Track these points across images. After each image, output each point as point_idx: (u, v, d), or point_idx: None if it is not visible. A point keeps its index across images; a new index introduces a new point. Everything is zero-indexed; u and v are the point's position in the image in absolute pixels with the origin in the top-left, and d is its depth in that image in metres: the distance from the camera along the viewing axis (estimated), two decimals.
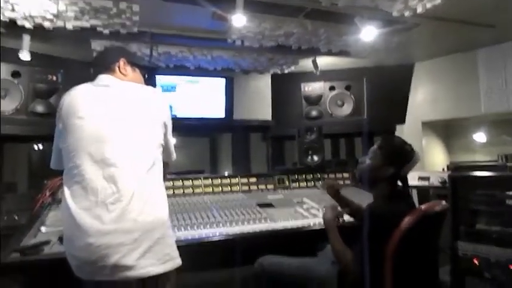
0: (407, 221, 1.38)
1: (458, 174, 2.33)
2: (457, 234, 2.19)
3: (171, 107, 3.64)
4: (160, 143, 1.41)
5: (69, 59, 3.29)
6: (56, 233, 1.68)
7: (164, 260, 1.28)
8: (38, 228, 1.77)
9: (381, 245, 1.40)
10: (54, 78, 3.24)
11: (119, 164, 1.27)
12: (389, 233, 1.40)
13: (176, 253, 1.34)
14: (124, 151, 1.29)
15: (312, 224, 2.07)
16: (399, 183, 1.65)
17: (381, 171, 1.62)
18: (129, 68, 1.49)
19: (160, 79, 3.66)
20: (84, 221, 1.21)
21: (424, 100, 3.98)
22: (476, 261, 2.11)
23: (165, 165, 1.48)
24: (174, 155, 1.56)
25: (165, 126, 1.44)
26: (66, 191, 1.28)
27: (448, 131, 4.22)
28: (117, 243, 1.20)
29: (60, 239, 1.55)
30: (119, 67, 1.46)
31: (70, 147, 1.30)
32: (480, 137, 3.92)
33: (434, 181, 2.79)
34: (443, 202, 1.56)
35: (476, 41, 3.35)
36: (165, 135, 1.44)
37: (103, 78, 1.42)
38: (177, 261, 1.33)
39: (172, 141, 1.55)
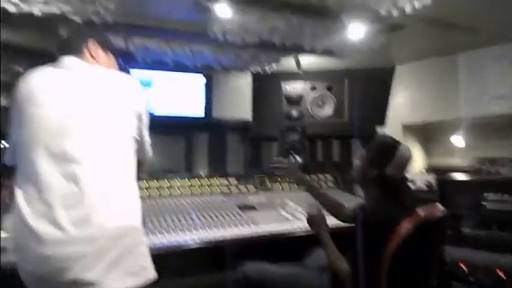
0: (405, 226, 1.29)
1: (445, 178, 2.29)
2: (444, 239, 2.15)
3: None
4: (133, 137, 1.22)
5: (35, 48, 3.06)
6: (13, 239, 1.49)
7: (135, 272, 1.09)
8: None
9: (375, 250, 1.31)
10: (19, 69, 3.01)
11: (82, 161, 1.08)
12: (384, 238, 1.31)
13: (149, 264, 1.16)
14: (89, 145, 1.10)
15: (297, 228, 1.97)
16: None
17: (366, 173, 1.53)
18: (100, 51, 1.29)
19: (135, 74, 3.47)
20: (38, 228, 1.01)
21: (404, 103, 3.98)
22: (463, 266, 2.08)
23: (139, 163, 1.32)
24: (149, 152, 1.38)
25: (140, 118, 1.25)
26: (19, 191, 1.08)
27: (427, 134, 4.24)
28: (78, 254, 1.01)
29: (10, 249, 1.36)
30: (88, 49, 1.26)
31: (25, 140, 1.10)
32: (457, 140, 3.94)
33: (420, 184, 2.74)
34: (440, 206, 1.49)
35: (458, 45, 3.36)
36: (140, 129, 1.26)
37: (68, 61, 1.21)
38: (151, 274, 1.15)
39: (148, 138, 1.38)
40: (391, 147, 1.51)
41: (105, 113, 1.16)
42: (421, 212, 1.37)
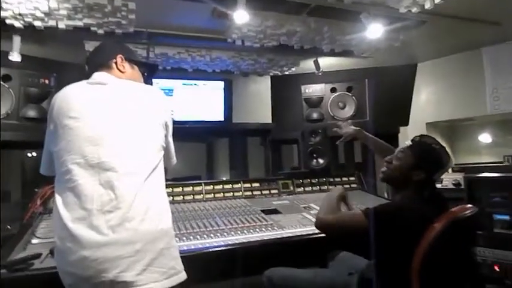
0: (436, 225, 1.27)
1: (473, 176, 2.23)
2: (476, 238, 2.09)
3: None
4: (161, 145, 1.29)
5: (62, 61, 3.16)
6: (47, 245, 1.55)
7: (169, 274, 1.15)
8: (28, 240, 1.64)
9: (408, 249, 1.28)
10: (47, 81, 3.11)
11: (117, 168, 1.15)
12: (417, 237, 1.28)
13: (181, 266, 1.22)
14: (123, 154, 1.17)
15: None
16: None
17: (410, 175, 1.48)
18: (127, 65, 1.38)
19: (157, 83, 3.54)
20: (78, 232, 1.08)
21: (427, 101, 3.90)
22: (496, 268, 2.01)
23: (165, 170, 1.36)
24: (174, 159, 1.45)
25: (166, 127, 1.32)
26: (58, 199, 1.15)
27: (453, 132, 4.13)
28: (115, 255, 1.07)
29: (52, 252, 1.42)
30: (116, 63, 1.35)
31: (62, 151, 1.17)
32: (485, 138, 3.83)
33: (448, 183, 2.67)
34: (470, 205, 1.45)
35: (481, 39, 3.27)
36: (166, 136, 1.33)
37: (99, 76, 1.30)
38: (183, 275, 1.21)
39: (173, 145, 1.43)
40: (444, 155, 1.51)
41: (136, 124, 1.23)
42: (451, 210, 1.34)
